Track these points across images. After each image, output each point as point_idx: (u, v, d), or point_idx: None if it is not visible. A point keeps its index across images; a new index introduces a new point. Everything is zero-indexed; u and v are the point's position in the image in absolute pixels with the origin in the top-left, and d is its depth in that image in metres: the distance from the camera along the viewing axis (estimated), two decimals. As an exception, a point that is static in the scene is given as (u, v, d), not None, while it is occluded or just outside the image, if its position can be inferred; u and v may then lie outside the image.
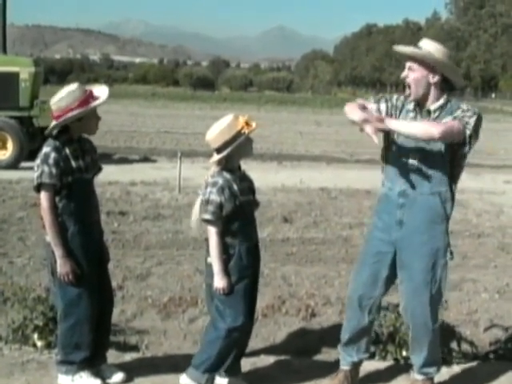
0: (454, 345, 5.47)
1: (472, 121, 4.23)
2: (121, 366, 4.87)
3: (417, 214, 4.35)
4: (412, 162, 4.33)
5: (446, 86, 4.34)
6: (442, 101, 4.31)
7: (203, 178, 4.50)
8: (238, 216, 4.38)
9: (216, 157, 4.39)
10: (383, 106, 4.46)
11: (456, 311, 6.65)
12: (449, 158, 4.28)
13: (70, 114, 4.38)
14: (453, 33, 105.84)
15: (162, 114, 38.37)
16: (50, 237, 4.42)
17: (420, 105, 4.36)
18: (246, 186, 4.51)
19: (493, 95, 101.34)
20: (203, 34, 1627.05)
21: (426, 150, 4.29)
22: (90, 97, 4.49)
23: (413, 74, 4.30)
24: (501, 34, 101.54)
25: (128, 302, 6.67)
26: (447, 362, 5.15)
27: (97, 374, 4.69)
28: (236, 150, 4.34)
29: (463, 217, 11.67)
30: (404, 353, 5.14)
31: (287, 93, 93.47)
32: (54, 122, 4.45)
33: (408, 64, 4.32)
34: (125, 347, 5.54)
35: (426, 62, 4.25)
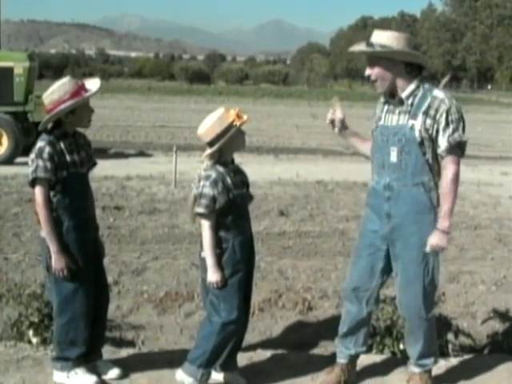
0: (451, 337, 5.46)
1: (460, 125, 4.21)
2: (117, 362, 4.85)
3: (402, 206, 4.33)
4: (392, 153, 4.32)
5: (413, 70, 4.29)
6: (412, 86, 4.28)
7: (197, 172, 4.48)
8: (232, 209, 4.36)
9: (208, 150, 4.37)
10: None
11: (453, 303, 6.65)
12: (430, 146, 4.24)
13: (62, 106, 4.36)
14: (448, 24, 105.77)
15: (158, 108, 38.28)
16: (44, 232, 4.40)
17: (393, 95, 4.36)
18: (240, 179, 4.48)
19: (489, 87, 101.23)
20: (199, 28, 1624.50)
21: (403, 139, 4.27)
22: (82, 89, 4.46)
23: (374, 70, 4.29)
24: (497, 26, 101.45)
25: (124, 297, 6.65)
26: (444, 354, 5.14)
27: (92, 369, 4.67)
28: (228, 142, 4.32)
29: (460, 209, 11.64)
30: (401, 346, 5.10)
31: (283, 86, 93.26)
32: (46, 116, 4.43)
33: (367, 61, 4.32)
34: (121, 343, 5.53)
35: (381, 56, 4.24)
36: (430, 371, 4.63)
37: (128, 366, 4.80)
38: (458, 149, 4.22)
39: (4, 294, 6.09)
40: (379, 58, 4.24)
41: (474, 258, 8.57)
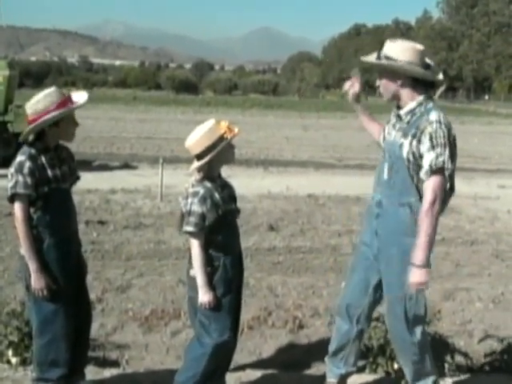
0: (447, 357, 5.32)
1: (445, 151, 4.02)
2: (100, 383, 4.78)
3: (388, 226, 4.26)
4: (385, 169, 4.28)
5: (419, 85, 4.20)
6: (413, 104, 4.20)
7: (184, 186, 4.37)
8: (221, 226, 4.25)
9: (196, 164, 4.27)
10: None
11: (449, 321, 6.57)
12: (418, 166, 4.09)
13: (47, 117, 4.22)
14: (444, 33, 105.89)
15: (143, 118, 38.15)
16: (23, 249, 4.27)
17: (399, 108, 4.31)
18: (227, 193, 4.39)
19: (486, 97, 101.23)
20: (186, 36, 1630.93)
21: (392, 156, 4.22)
22: (69, 100, 4.34)
23: (380, 81, 4.28)
24: (494, 34, 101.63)
25: (108, 315, 6.55)
26: (441, 374, 5.00)
27: (75, 391, 4.54)
28: (217, 156, 4.22)
29: (456, 223, 11.62)
30: (395, 365, 5.01)
31: (273, 96, 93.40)
32: (29, 126, 4.28)
33: (377, 72, 4.32)
34: (104, 363, 5.44)
35: (386, 69, 4.21)
36: None
37: (112, 388, 4.69)
38: (440, 175, 4.03)
39: (-18, 312, 5.92)
40: (385, 69, 4.22)
41: (470, 275, 8.50)
